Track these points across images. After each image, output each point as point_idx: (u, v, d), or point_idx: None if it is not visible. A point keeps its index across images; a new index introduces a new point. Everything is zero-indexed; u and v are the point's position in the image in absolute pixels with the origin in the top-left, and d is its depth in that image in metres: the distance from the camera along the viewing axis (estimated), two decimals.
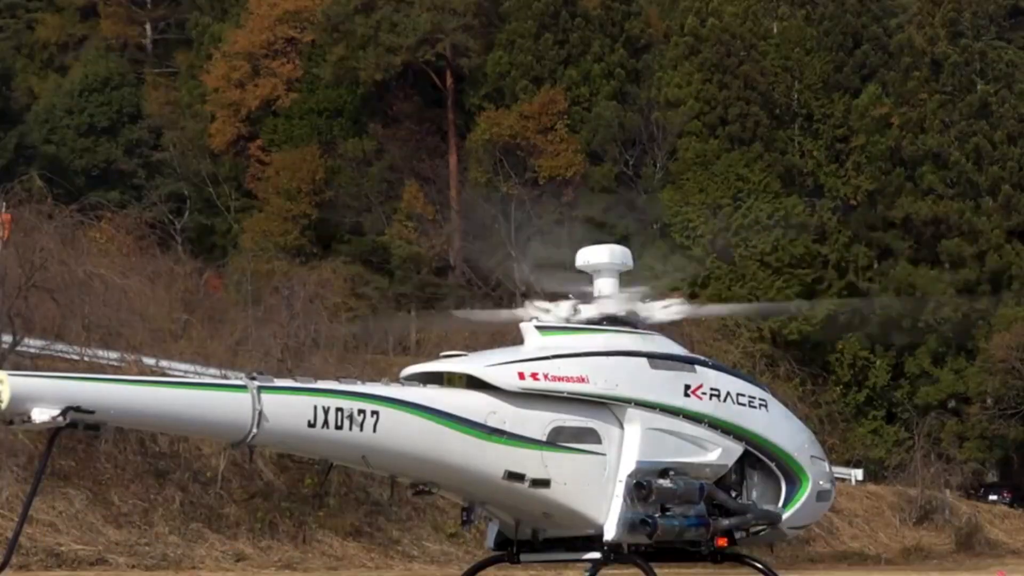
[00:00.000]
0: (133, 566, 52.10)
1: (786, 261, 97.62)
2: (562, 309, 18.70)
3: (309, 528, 59.14)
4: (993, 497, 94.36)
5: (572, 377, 17.59)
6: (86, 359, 56.64)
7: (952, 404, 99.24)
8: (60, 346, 56.39)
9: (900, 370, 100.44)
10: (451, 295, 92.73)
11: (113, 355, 58.46)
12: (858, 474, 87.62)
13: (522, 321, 18.55)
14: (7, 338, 55.52)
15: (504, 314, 19.97)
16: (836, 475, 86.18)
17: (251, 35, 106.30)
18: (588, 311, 18.73)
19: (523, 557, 18.57)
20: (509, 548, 18.65)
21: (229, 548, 56.08)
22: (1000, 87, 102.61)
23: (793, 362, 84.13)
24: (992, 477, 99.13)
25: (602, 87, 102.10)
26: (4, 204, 59.74)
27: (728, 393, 18.79)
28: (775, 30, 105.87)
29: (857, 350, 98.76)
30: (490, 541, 18.85)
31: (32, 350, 56.54)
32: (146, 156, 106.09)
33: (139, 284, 62.38)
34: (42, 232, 57.44)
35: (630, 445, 17.89)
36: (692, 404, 18.43)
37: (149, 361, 60.70)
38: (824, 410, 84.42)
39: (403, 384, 17.38)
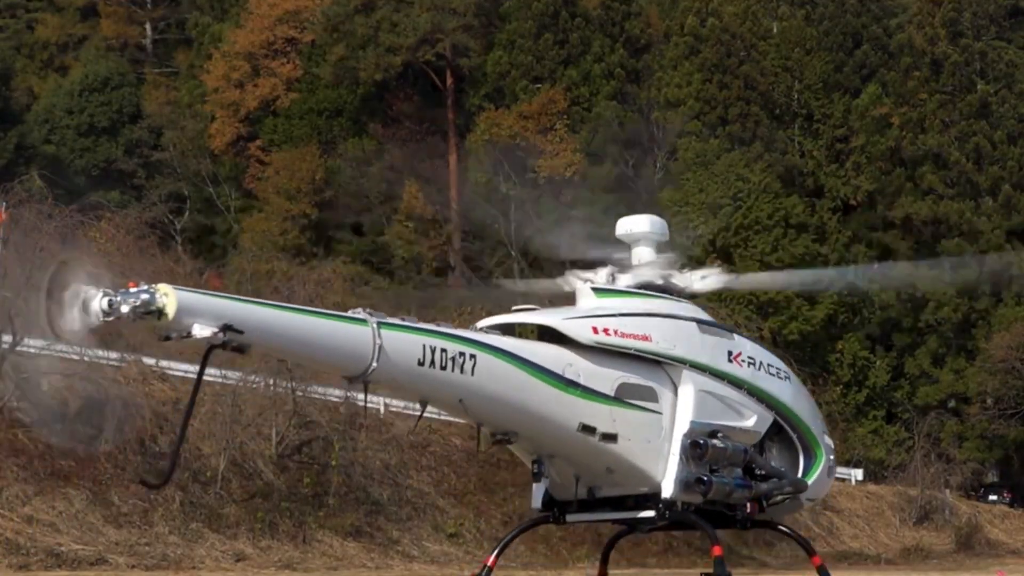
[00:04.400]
0: (133, 566, 52.10)
1: (786, 261, 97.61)
2: (601, 277, 19.01)
3: (309, 528, 59.15)
4: (993, 497, 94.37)
5: (637, 335, 18.04)
6: (86, 359, 56.63)
7: (952, 404, 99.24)
8: (60, 346, 56.35)
9: (900, 370, 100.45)
10: (452, 295, 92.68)
11: (113, 355, 58.44)
12: (858, 474, 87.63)
13: (563, 290, 18.97)
14: (7, 338, 55.50)
15: (545, 283, 20.17)
16: (836, 475, 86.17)
17: (251, 35, 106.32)
18: (626, 279, 19.11)
19: (569, 517, 18.74)
20: (555, 509, 18.77)
21: (229, 548, 56.08)
22: (1000, 87, 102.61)
23: (793, 362, 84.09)
24: (992, 477, 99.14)
25: (602, 87, 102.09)
26: (4, 203, 59.72)
27: (762, 363, 19.37)
28: (775, 30, 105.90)
29: (857, 350, 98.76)
30: (536, 502, 18.87)
31: (32, 350, 56.52)
32: (146, 156, 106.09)
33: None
34: (42, 232, 57.41)
35: (684, 405, 18.31)
36: (735, 370, 18.93)
37: (149, 361, 60.73)
38: (824, 410, 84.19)
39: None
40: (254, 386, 60.74)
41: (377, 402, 67.89)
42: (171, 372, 61.75)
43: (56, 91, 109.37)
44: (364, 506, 62.04)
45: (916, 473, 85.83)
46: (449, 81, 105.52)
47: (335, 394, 63.73)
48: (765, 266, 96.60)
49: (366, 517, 61.64)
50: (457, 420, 70.55)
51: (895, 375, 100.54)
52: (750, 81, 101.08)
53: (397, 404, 69.63)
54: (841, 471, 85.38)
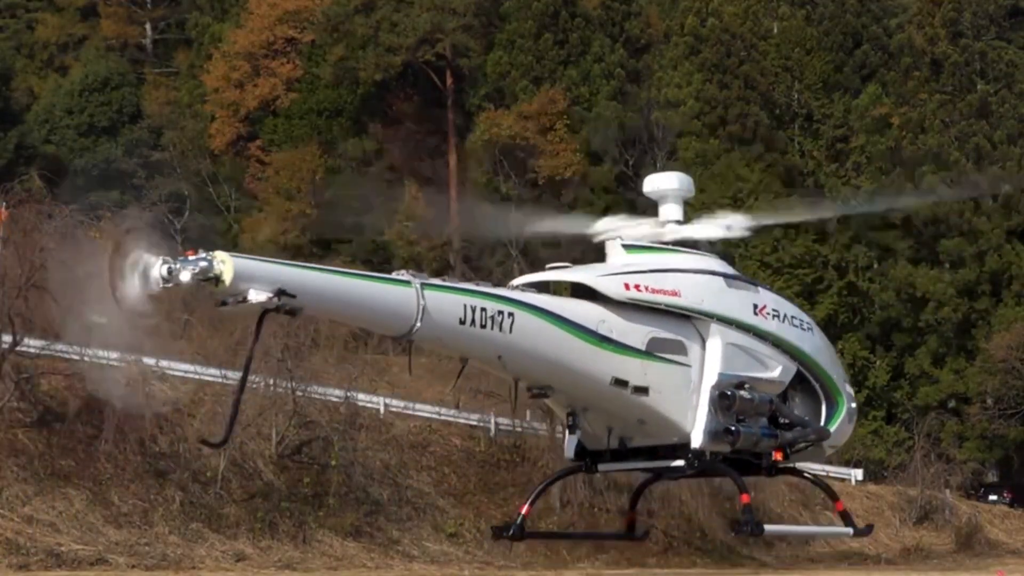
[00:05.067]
0: (133, 566, 52.11)
1: (786, 261, 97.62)
2: (633, 228, 19.68)
3: (309, 528, 59.13)
4: (993, 497, 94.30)
5: (667, 290, 18.62)
6: (86, 359, 56.59)
7: (952, 404, 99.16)
8: (60, 346, 56.35)
9: (900, 370, 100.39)
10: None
11: (113, 355, 58.41)
12: (858, 474, 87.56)
13: (594, 237, 19.58)
14: (7, 338, 55.50)
15: (579, 226, 20.61)
16: (836, 475, 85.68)
17: (251, 35, 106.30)
18: (657, 233, 19.80)
19: (601, 467, 19.28)
20: (587, 459, 19.22)
21: (229, 548, 56.07)
22: (1000, 87, 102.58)
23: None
24: (992, 477, 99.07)
25: (602, 87, 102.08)
26: (4, 203, 59.71)
27: (786, 315, 19.93)
28: (775, 30, 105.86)
29: (857, 350, 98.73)
30: (569, 451, 19.30)
31: (32, 350, 56.53)
32: (146, 156, 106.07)
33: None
34: (42, 232, 57.39)
35: (712, 358, 18.89)
36: (760, 322, 19.50)
37: (149, 361, 60.67)
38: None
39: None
40: (254, 386, 60.71)
41: (377, 402, 67.90)
42: (171, 372, 61.74)
43: (56, 91, 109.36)
44: (364, 506, 62.02)
45: (916, 473, 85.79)
46: (449, 81, 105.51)
47: (335, 394, 63.74)
48: (765, 266, 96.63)
49: (366, 517, 61.62)
50: (457, 420, 70.66)
51: (895, 375, 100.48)
52: (750, 81, 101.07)
53: (397, 404, 69.64)
54: (841, 471, 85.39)
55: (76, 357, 56.18)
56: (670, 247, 19.57)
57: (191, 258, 15.67)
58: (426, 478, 66.64)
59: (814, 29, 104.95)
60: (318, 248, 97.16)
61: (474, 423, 70.58)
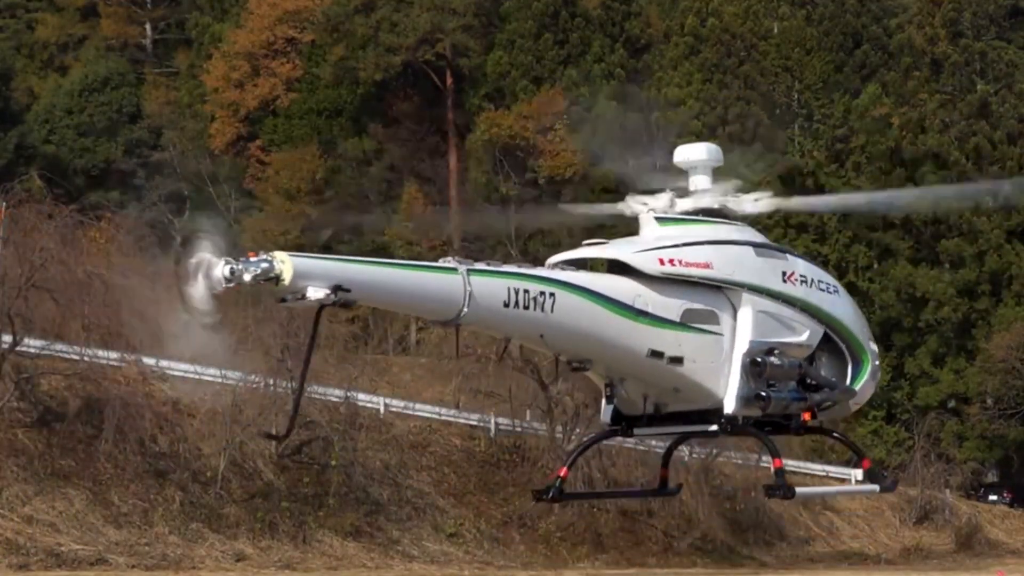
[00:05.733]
0: (133, 566, 52.13)
1: None
2: (660, 202, 20.14)
3: (309, 528, 59.13)
4: (993, 497, 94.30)
5: (700, 263, 19.24)
6: (86, 359, 56.62)
7: (952, 404, 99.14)
8: (60, 346, 56.39)
9: (900, 370, 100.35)
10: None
11: (113, 355, 58.44)
12: (858, 474, 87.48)
13: (623, 214, 20.16)
14: (7, 338, 55.50)
15: (606, 207, 21.17)
16: (836, 475, 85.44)
17: (251, 35, 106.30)
18: (684, 204, 20.28)
19: (637, 431, 19.89)
20: (623, 423, 19.81)
21: (229, 548, 56.08)
22: (1000, 87, 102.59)
23: None
24: (992, 477, 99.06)
25: (602, 87, 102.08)
26: (4, 203, 59.72)
27: (814, 280, 20.50)
28: (775, 30, 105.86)
29: None
30: (606, 417, 19.87)
31: (32, 350, 56.53)
32: (146, 156, 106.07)
33: (139, 284, 62.30)
34: (42, 232, 57.41)
35: (743, 326, 19.52)
36: (789, 289, 20.10)
37: (149, 361, 60.69)
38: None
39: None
40: (254, 386, 60.75)
41: (377, 402, 67.90)
42: (171, 372, 61.74)
43: (56, 91, 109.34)
44: (364, 506, 62.02)
45: (916, 473, 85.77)
46: (449, 81, 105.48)
47: (335, 394, 63.73)
48: None
49: (366, 517, 61.63)
50: (457, 420, 70.68)
51: (895, 375, 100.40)
52: (750, 81, 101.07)
53: (397, 404, 69.64)
54: (841, 471, 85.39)
55: (76, 357, 56.22)
56: (701, 218, 20.15)
57: (252, 259, 16.44)
58: (426, 478, 66.64)
59: (814, 29, 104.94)
60: (318, 248, 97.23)
61: (474, 423, 70.59)
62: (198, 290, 16.48)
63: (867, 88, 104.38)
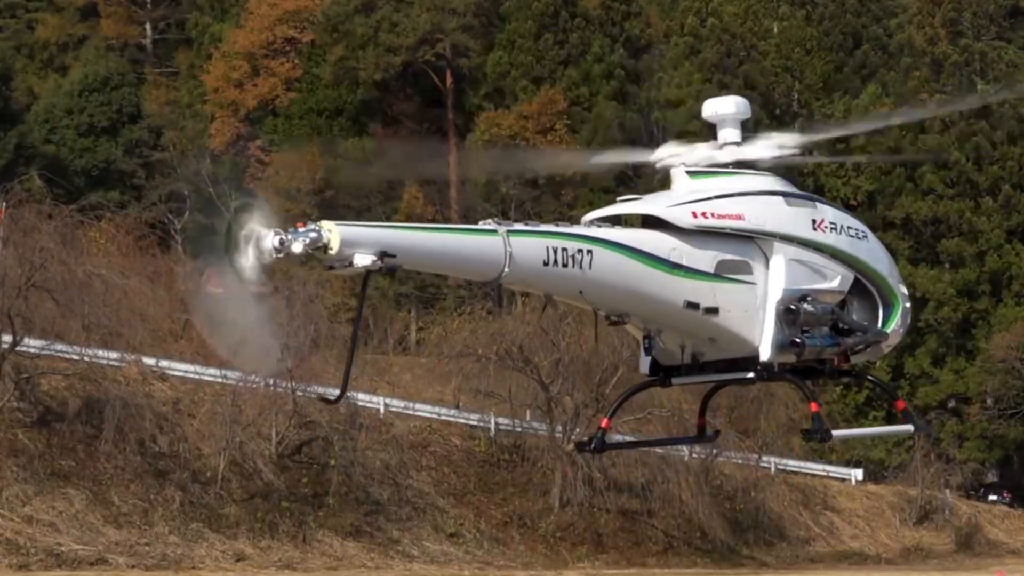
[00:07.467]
0: (133, 566, 52.15)
1: None
2: (693, 152, 20.52)
3: (309, 528, 59.14)
4: (993, 497, 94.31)
5: (732, 215, 19.69)
6: (86, 359, 56.62)
7: (952, 404, 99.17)
8: (60, 346, 56.38)
9: (900, 370, 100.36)
10: (451, 295, 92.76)
11: (113, 355, 58.45)
12: (858, 474, 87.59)
13: (656, 164, 20.59)
14: (7, 338, 55.50)
15: (639, 155, 21.87)
16: (836, 475, 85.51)
17: (251, 35, 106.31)
18: (716, 158, 20.62)
19: (675, 380, 20.34)
20: (661, 373, 20.25)
21: (229, 548, 56.10)
22: (1000, 87, 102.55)
23: None
24: (992, 477, 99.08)
25: (602, 87, 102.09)
26: (4, 203, 59.73)
27: (843, 226, 20.95)
28: (775, 30, 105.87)
29: None
30: (644, 367, 20.30)
31: (32, 350, 56.53)
32: (146, 156, 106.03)
33: (139, 284, 62.37)
34: (42, 232, 57.41)
35: (776, 275, 20.00)
36: (819, 237, 20.53)
37: (149, 361, 60.72)
38: (824, 410, 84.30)
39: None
40: (254, 386, 60.76)
41: (377, 402, 67.91)
42: (171, 372, 61.77)
43: (56, 91, 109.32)
44: (364, 506, 62.04)
45: (916, 473, 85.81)
46: (449, 81, 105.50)
47: (335, 394, 63.66)
48: None
49: (366, 517, 61.64)
50: (456, 420, 70.68)
51: (895, 375, 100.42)
52: (750, 81, 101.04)
53: (397, 404, 69.64)
54: (841, 471, 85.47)
55: (76, 357, 56.23)
56: (732, 170, 20.52)
57: (300, 230, 16.94)
58: (426, 478, 66.65)
59: (814, 29, 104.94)
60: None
61: (474, 423, 70.59)
62: (248, 261, 16.91)
63: (867, 88, 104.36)
